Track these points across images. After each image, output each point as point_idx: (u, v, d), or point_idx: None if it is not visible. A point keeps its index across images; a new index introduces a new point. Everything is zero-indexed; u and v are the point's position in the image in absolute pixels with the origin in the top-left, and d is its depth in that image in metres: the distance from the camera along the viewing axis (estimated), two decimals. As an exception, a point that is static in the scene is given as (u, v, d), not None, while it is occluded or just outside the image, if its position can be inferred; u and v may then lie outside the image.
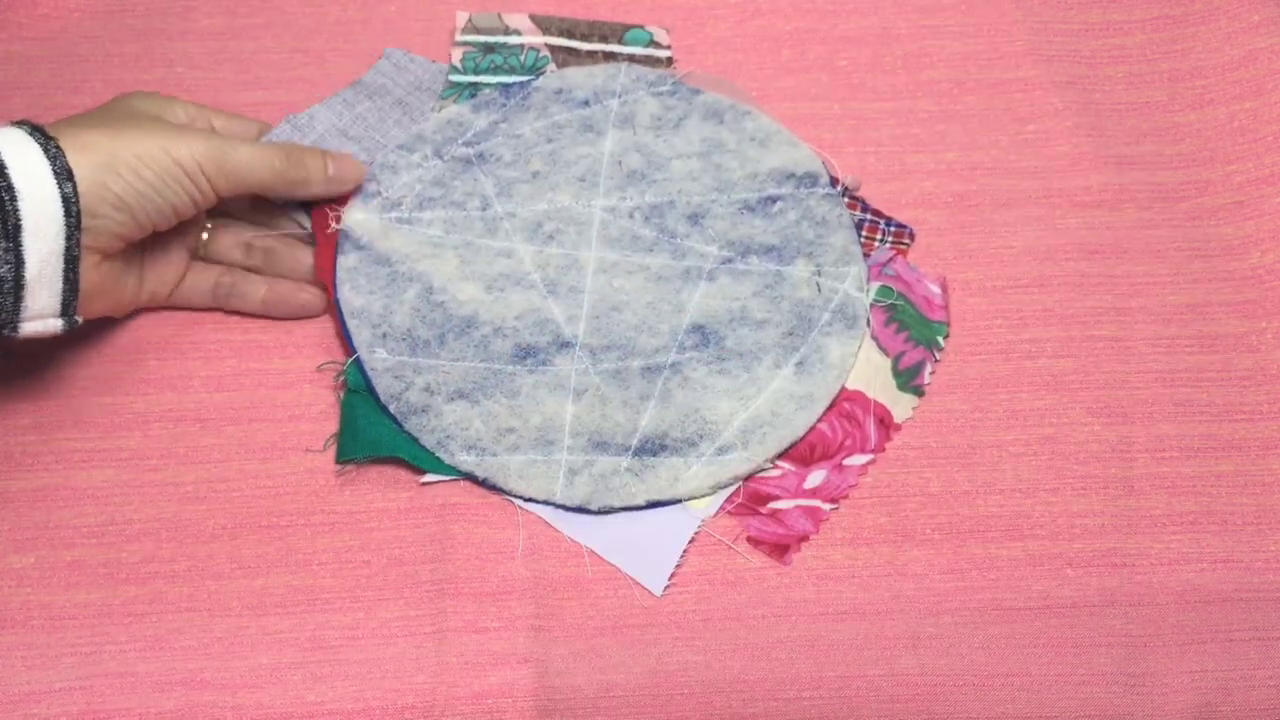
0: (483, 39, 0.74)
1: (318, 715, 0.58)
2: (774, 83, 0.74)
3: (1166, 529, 0.63)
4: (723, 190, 0.70)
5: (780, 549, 0.62)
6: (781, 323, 0.66)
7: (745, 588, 0.61)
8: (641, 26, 0.75)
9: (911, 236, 0.69)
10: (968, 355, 0.67)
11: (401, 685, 0.59)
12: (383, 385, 0.65)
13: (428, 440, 0.64)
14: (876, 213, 0.70)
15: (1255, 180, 0.71)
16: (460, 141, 0.71)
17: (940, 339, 0.67)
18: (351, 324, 0.66)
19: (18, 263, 0.57)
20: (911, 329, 0.67)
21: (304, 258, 0.68)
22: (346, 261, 0.67)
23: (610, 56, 0.74)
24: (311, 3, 0.77)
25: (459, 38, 0.74)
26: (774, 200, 0.70)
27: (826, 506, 0.63)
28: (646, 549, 0.61)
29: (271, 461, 0.63)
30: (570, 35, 0.75)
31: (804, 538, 0.62)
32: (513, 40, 0.74)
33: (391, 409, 0.64)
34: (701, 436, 0.64)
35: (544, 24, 0.75)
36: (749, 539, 0.62)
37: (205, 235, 0.68)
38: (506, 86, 0.73)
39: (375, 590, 0.61)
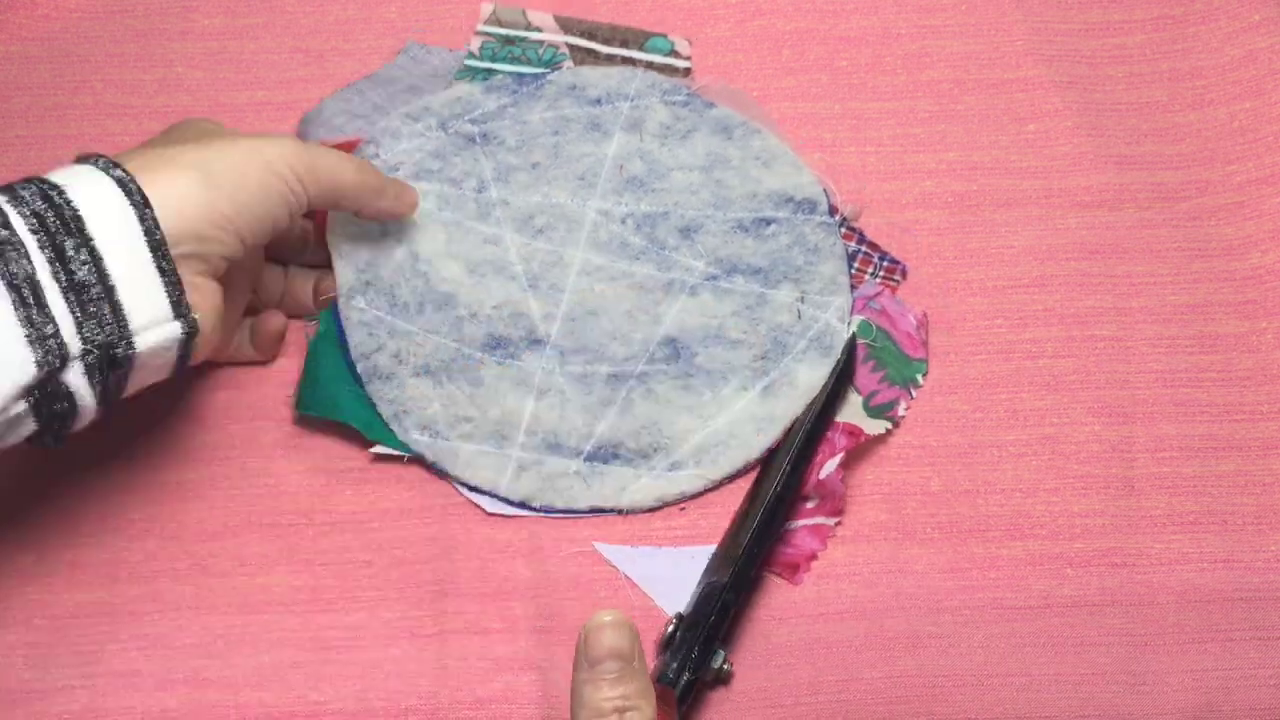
0: (504, 31, 0.74)
1: (320, 715, 0.58)
2: (774, 83, 0.74)
3: (1166, 529, 0.63)
4: (719, 207, 0.69)
5: (791, 568, 0.62)
6: (755, 345, 0.66)
7: (746, 587, 0.61)
8: (664, 35, 0.74)
9: (904, 274, 0.69)
10: (968, 355, 0.67)
11: (405, 687, 0.59)
12: (355, 339, 0.64)
13: (385, 410, 0.64)
14: (873, 245, 0.69)
15: (1255, 180, 0.71)
16: (466, 118, 0.71)
17: (919, 377, 0.66)
18: (338, 264, 0.65)
19: (95, 259, 0.51)
20: (889, 368, 0.66)
21: None
22: (340, 216, 0.66)
23: (629, 61, 0.74)
24: (311, 2, 0.77)
25: (481, 27, 0.74)
26: (768, 222, 0.69)
27: (831, 522, 0.62)
28: (671, 579, 0.61)
29: (274, 460, 0.63)
30: (592, 38, 0.74)
31: (812, 556, 0.62)
32: (533, 35, 0.74)
33: (359, 367, 0.64)
34: (655, 450, 0.64)
35: (566, 25, 0.74)
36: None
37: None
38: (521, 75, 0.73)
39: (377, 590, 0.61)
